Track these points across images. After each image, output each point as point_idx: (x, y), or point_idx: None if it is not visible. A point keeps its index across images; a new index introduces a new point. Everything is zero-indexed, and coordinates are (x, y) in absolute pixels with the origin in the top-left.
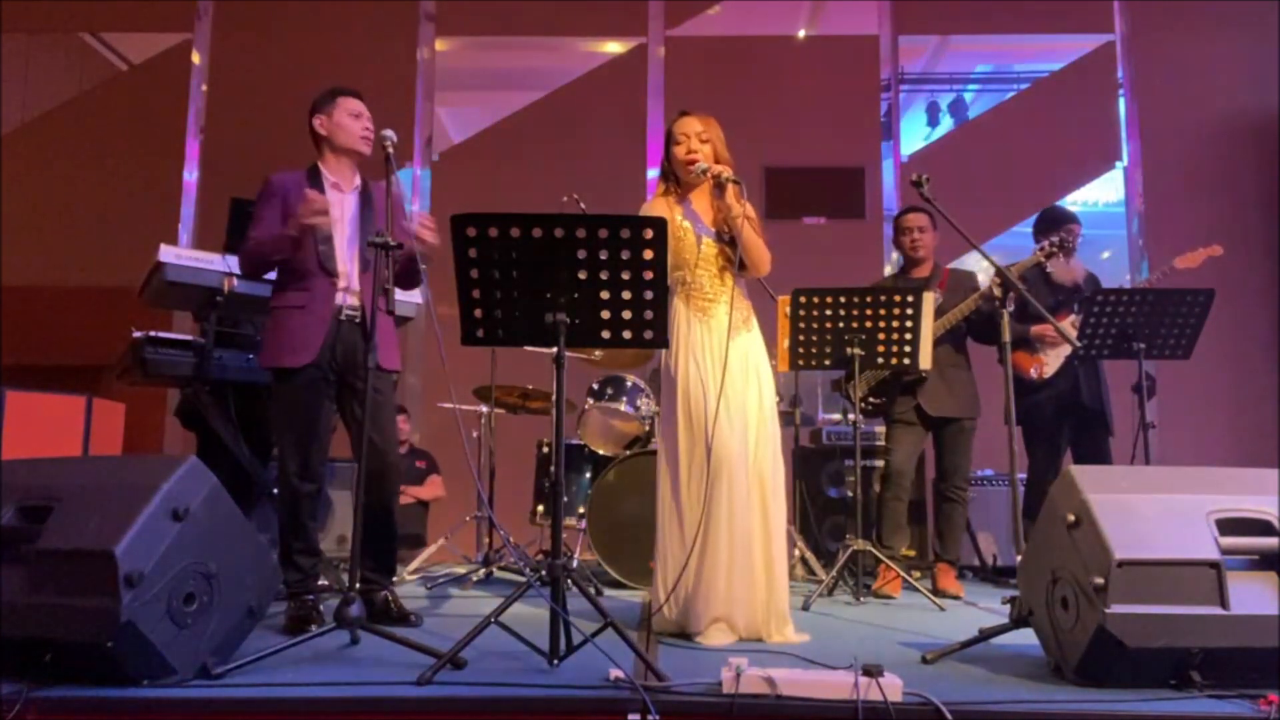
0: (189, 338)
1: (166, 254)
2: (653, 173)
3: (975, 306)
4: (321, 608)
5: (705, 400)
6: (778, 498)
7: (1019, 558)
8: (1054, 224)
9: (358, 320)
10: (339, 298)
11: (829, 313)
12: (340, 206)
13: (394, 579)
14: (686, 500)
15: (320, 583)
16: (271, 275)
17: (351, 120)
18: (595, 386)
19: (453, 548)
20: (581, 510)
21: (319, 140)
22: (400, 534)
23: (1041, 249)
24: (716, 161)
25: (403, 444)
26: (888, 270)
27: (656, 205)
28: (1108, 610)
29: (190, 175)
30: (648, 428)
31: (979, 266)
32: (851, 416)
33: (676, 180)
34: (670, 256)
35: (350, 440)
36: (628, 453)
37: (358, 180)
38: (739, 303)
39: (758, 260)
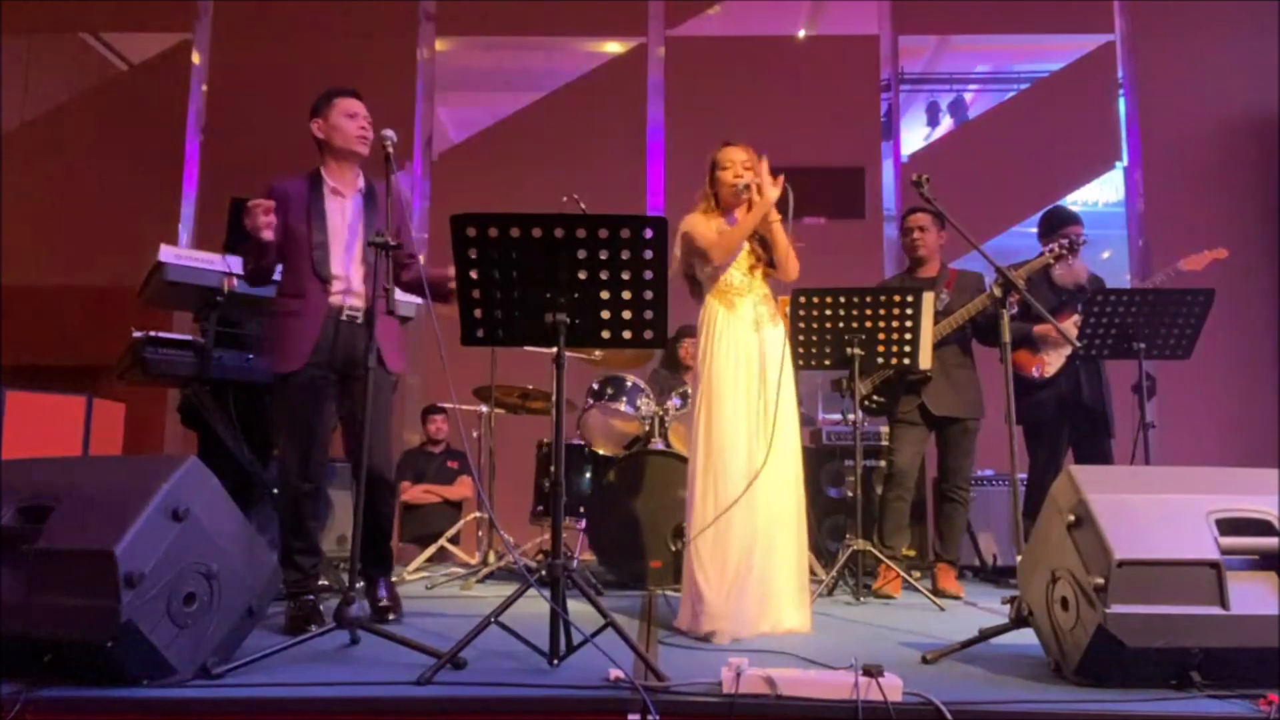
0: (189, 338)
1: (166, 254)
2: (653, 172)
3: (982, 308)
4: (321, 608)
5: (733, 390)
6: (792, 488)
7: (1019, 558)
8: (1059, 225)
9: (359, 321)
10: (337, 300)
11: (829, 313)
12: (340, 212)
13: (387, 575)
14: (702, 496)
15: (320, 583)
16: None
17: (347, 120)
18: (595, 386)
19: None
20: (581, 510)
21: (319, 144)
22: (428, 533)
23: (1051, 251)
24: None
25: (439, 444)
26: (888, 270)
27: (696, 220)
28: (1108, 610)
29: (190, 175)
30: (648, 427)
31: (984, 267)
32: (852, 416)
33: (717, 201)
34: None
35: (344, 437)
36: (628, 452)
37: (360, 183)
38: (768, 300)
39: (789, 266)
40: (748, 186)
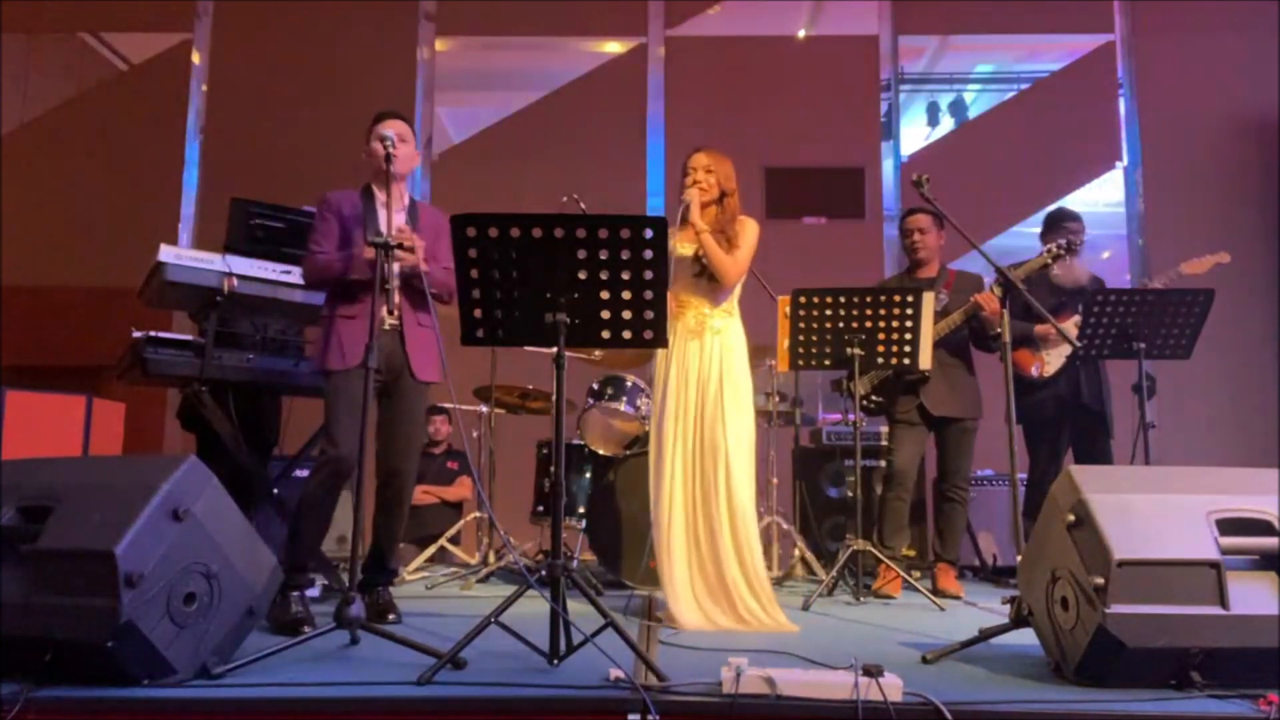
0: (189, 338)
1: (166, 254)
2: (653, 172)
3: (965, 318)
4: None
5: (662, 399)
6: (731, 489)
7: (1019, 558)
8: (1057, 225)
9: (399, 329)
10: (382, 310)
11: (829, 313)
12: (389, 223)
13: (388, 583)
14: (652, 489)
15: (321, 583)
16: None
17: (378, 144)
18: (595, 386)
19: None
20: (581, 510)
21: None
22: (428, 534)
23: (1049, 250)
24: (722, 192)
25: (440, 444)
26: (888, 270)
27: None
28: (1108, 610)
29: (190, 175)
30: (647, 428)
31: (984, 267)
32: (851, 416)
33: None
34: None
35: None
36: (628, 453)
37: (406, 200)
38: (710, 309)
39: (721, 273)
40: (683, 202)
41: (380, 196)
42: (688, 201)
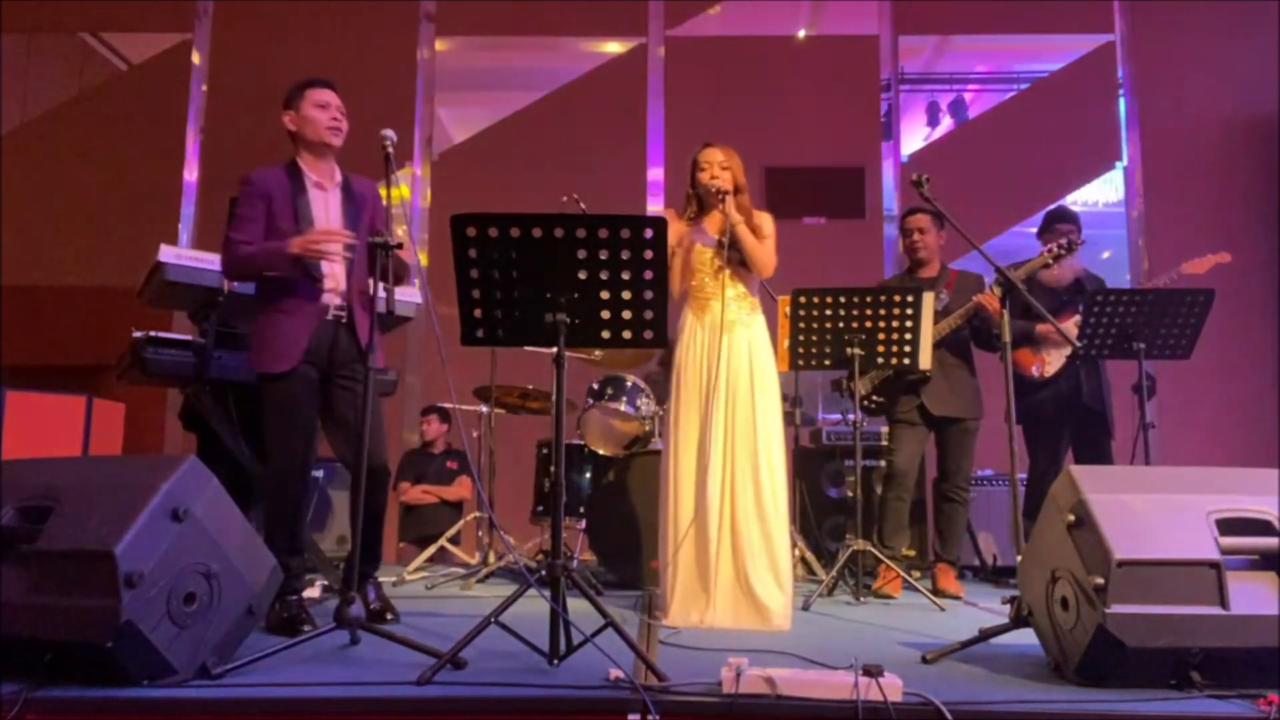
0: (189, 338)
1: (166, 254)
2: (653, 172)
3: (967, 318)
4: (309, 607)
5: (694, 395)
6: (760, 487)
7: (1019, 558)
8: (1053, 224)
9: (345, 320)
10: (324, 299)
11: (829, 313)
12: (324, 206)
13: (374, 571)
14: (672, 486)
15: (322, 583)
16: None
17: (318, 111)
18: (595, 386)
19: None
20: (581, 510)
21: (292, 137)
22: (428, 534)
23: (1050, 250)
24: (735, 187)
25: (435, 443)
26: (888, 270)
27: (672, 224)
28: (1108, 610)
29: (190, 175)
30: (648, 428)
31: (984, 267)
32: (852, 416)
33: (699, 201)
34: (682, 269)
35: (330, 437)
36: (627, 452)
37: (338, 176)
38: (740, 300)
39: (759, 263)
40: (719, 190)
41: (311, 175)
42: (725, 189)
